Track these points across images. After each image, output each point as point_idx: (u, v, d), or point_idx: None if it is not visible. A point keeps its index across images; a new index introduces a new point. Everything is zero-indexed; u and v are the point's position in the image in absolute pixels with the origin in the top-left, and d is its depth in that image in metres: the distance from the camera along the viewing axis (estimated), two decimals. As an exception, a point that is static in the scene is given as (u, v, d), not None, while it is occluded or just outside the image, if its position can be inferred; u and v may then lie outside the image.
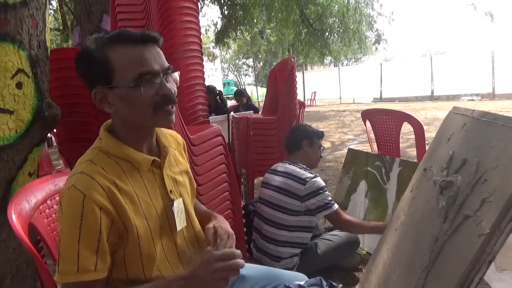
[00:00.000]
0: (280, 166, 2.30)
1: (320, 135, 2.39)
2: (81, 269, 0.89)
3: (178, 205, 1.08)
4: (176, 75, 1.02)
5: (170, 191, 1.07)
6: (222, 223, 1.22)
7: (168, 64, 0.99)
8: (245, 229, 2.32)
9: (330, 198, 2.09)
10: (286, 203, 2.13)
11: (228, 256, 0.94)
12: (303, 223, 2.14)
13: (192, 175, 1.24)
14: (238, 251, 0.96)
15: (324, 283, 1.26)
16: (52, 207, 1.17)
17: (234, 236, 1.14)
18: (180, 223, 1.09)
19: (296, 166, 2.23)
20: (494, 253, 0.65)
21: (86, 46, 0.96)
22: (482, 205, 0.73)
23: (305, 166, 2.24)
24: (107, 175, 0.95)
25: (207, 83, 2.52)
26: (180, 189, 1.12)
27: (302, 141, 2.30)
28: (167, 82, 0.97)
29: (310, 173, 2.18)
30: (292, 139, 2.36)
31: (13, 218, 0.99)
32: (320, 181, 2.12)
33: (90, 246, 0.89)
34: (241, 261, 0.94)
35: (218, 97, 5.88)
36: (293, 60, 3.33)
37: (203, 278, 0.92)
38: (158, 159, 1.06)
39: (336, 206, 2.07)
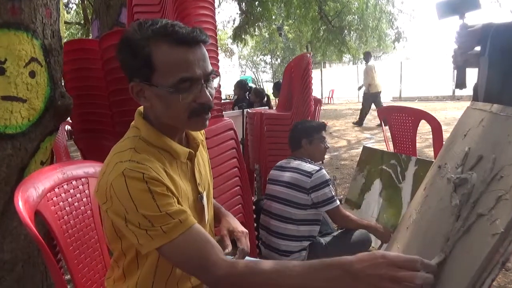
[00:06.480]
0: (286, 162, 2.33)
1: (320, 128, 2.39)
2: (182, 219, 0.87)
3: (205, 198, 1.08)
4: (218, 80, 1.00)
5: (199, 184, 1.06)
6: (232, 222, 1.21)
7: (211, 69, 0.94)
8: (255, 225, 2.31)
9: (333, 193, 2.13)
10: (294, 197, 2.15)
11: (409, 263, 0.71)
12: (310, 216, 2.16)
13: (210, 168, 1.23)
14: (419, 259, 0.72)
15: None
16: (60, 195, 1.17)
17: (248, 234, 1.13)
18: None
19: (301, 161, 2.27)
20: (507, 253, 0.61)
21: (129, 35, 0.91)
22: (497, 203, 0.69)
23: (309, 160, 2.28)
24: (155, 162, 0.92)
25: (224, 79, 2.53)
26: (204, 182, 1.11)
27: (301, 140, 2.33)
28: (207, 88, 0.92)
29: (315, 165, 2.20)
30: (292, 138, 2.39)
31: (20, 204, 0.99)
32: (324, 173, 2.15)
33: (172, 204, 0.88)
34: (426, 276, 0.70)
35: (248, 92, 5.93)
36: (308, 55, 3.28)
37: (364, 279, 0.72)
38: (192, 151, 1.04)
39: (337, 202, 2.13)
